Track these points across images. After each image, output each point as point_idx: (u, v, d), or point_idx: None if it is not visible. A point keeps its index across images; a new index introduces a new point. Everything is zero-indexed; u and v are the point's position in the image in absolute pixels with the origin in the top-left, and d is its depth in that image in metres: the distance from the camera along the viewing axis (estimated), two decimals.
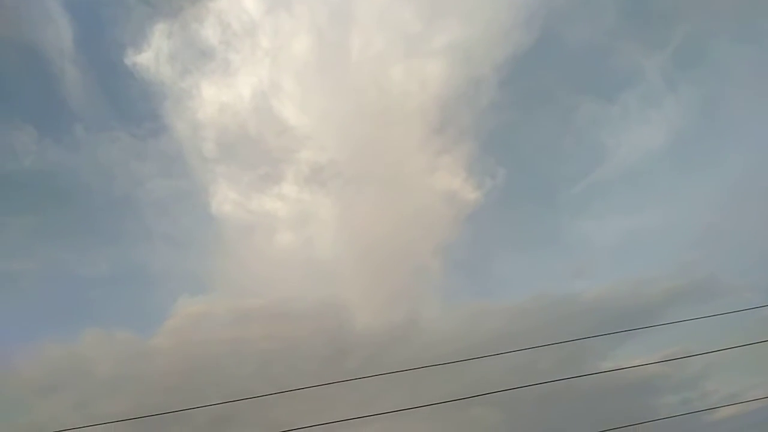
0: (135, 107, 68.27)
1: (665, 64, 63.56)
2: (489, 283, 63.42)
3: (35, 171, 58.92)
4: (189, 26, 65.05)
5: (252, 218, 63.31)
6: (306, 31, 64.82)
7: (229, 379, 41.35)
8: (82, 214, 64.04)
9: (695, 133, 62.81)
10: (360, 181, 64.71)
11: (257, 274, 58.29)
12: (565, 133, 69.40)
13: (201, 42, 66.02)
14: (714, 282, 48.48)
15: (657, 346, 33.98)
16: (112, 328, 53.55)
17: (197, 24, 64.59)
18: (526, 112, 69.49)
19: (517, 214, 68.50)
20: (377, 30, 63.98)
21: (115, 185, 62.58)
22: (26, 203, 63.01)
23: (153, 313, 64.13)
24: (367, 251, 59.57)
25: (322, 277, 59.37)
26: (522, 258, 64.29)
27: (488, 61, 62.18)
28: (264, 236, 64.19)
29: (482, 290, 65.01)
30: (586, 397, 34.55)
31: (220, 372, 43.29)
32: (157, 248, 63.38)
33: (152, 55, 60.51)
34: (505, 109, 66.75)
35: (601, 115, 69.16)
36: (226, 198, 61.66)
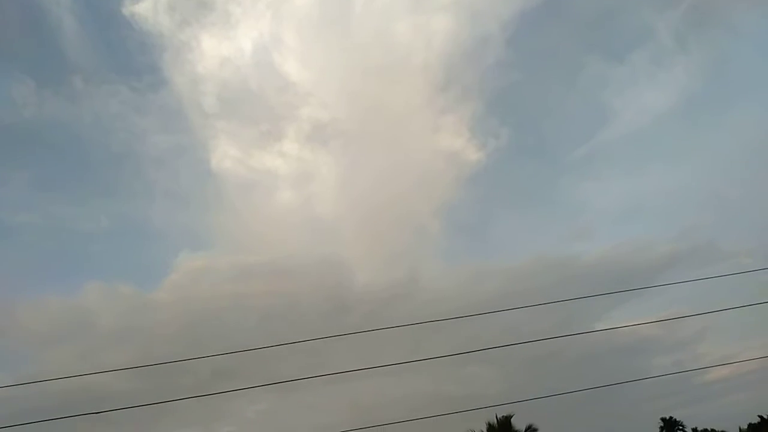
0: (134, 60, 67.00)
1: (677, 24, 62.02)
2: (489, 244, 63.66)
3: (35, 123, 58.37)
4: None
5: (252, 175, 63.18)
6: None
7: (230, 334, 42.07)
8: (82, 168, 63.89)
9: (705, 96, 61.86)
10: (362, 139, 64.19)
11: (258, 231, 58.60)
12: (571, 94, 68.33)
13: None
14: (713, 247, 48.64)
15: (653, 309, 34.38)
16: (114, 281, 54.18)
17: None
18: (532, 71, 68.28)
19: (519, 175, 68.18)
20: None
21: (115, 139, 62.14)
22: (26, 156, 62.67)
23: (154, 267, 64.82)
24: (368, 210, 59.57)
25: (323, 235, 59.65)
26: (523, 219, 64.45)
27: (495, 19, 60.70)
28: (264, 193, 64.19)
29: (482, 251, 65.29)
30: (581, 356, 35.21)
31: (221, 326, 44.06)
32: (157, 203, 63.53)
33: (150, 4, 59.06)
34: (510, 68, 65.62)
35: (608, 75, 67.81)
36: (227, 154, 61.35)
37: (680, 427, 40.12)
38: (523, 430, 24.80)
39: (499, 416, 24.99)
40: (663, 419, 39.82)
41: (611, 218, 61.34)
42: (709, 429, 40.08)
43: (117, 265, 60.16)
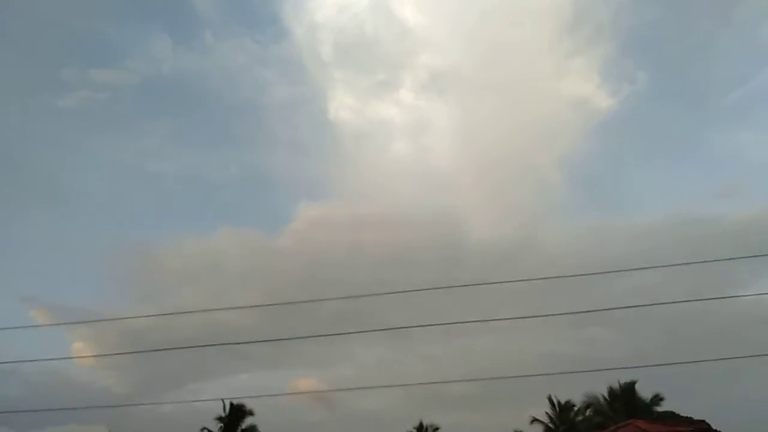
0: (257, 11, 69.44)
1: None
2: (617, 200, 59.05)
3: (171, 77, 63.05)
4: None
5: (368, 125, 63.64)
6: None
7: (346, 281, 43.55)
8: (213, 119, 68.29)
9: None
10: (481, 87, 61.65)
11: (373, 182, 59.37)
12: (723, 30, 59.63)
13: None
14: None
15: None
16: (243, 226, 58.20)
17: None
18: (676, 5, 60.61)
19: (657, 123, 61.68)
20: None
21: (241, 91, 65.47)
22: (163, 108, 68.18)
23: (278, 214, 68.59)
24: (486, 162, 57.74)
25: (438, 187, 59.04)
26: (658, 173, 58.77)
27: None
28: (380, 144, 64.54)
29: (609, 207, 60.82)
30: (720, 325, 31.96)
31: (338, 273, 45.74)
32: (279, 153, 66.50)
33: None
34: (650, 3, 58.88)
35: None
36: (343, 104, 62.16)
37: None
38: (649, 398, 23.18)
39: (621, 381, 23.64)
40: None
41: (766, 174, 53.86)
42: None
43: (244, 211, 64.42)
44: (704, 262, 14.41)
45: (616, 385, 23.58)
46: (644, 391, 23.61)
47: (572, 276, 11.94)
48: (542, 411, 26.17)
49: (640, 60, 60.95)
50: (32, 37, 57.79)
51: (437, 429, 28.30)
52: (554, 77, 58.76)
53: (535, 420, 26.15)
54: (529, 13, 56.86)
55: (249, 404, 25.84)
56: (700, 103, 60.32)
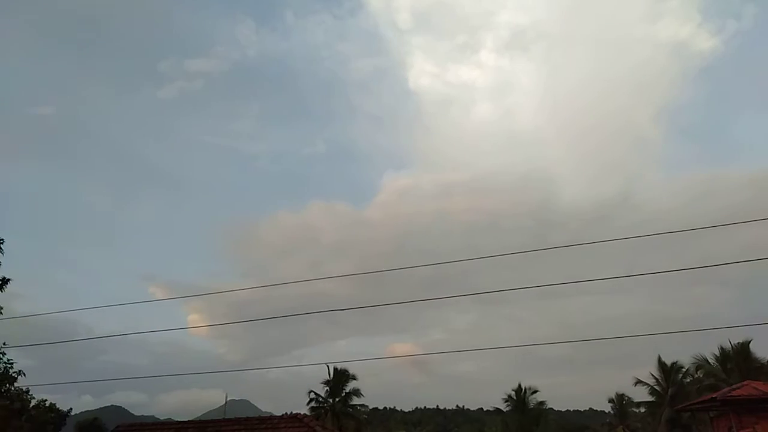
0: None
1: None
2: (725, 150, 54.56)
3: (256, 60, 65.86)
4: None
5: (450, 90, 62.86)
6: None
7: (435, 248, 43.89)
8: (298, 98, 70.79)
9: None
10: (567, 41, 58.59)
11: (457, 148, 58.88)
12: None
13: None
14: None
15: None
16: (332, 200, 60.17)
17: None
18: None
19: (767, 63, 55.70)
20: None
21: (323, 68, 66.81)
22: (252, 90, 71.71)
23: (365, 187, 70.37)
24: (576, 120, 55.33)
25: (525, 149, 57.53)
26: None
27: None
28: (463, 109, 63.68)
29: (716, 158, 56.40)
30: None
31: (427, 241, 46.23)
32: (362, 126, 67.75)
33: None
34: None
35: None
36: (423, 71, 61.64)
37: None
38: (766, 360, 21.69)
39: (734, 342, 22.24)
40: None
41: None
42: None
43: (334, 185, 66.51)
44: None
45: (728, 346, 22.27)
46: (761, 352, 22.13)
47: (673, 232, 11.32)
48: (647, 373, 25.36)
49: None
50: (129, 33, 62.18)
51: (536, 391, 28.27)
52: (647, 22, 54.87)
53: (639, 382, 25.38)
54: None
55: (350, 369, 27.16)
56: None
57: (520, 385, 28.48)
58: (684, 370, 24.50)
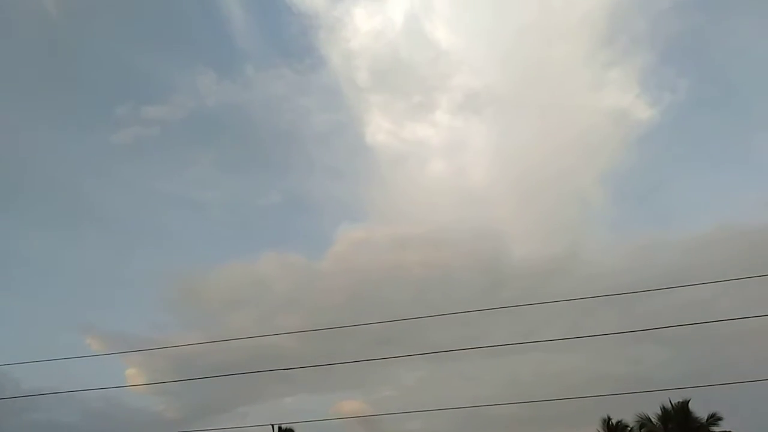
0: (295, 42, 71.51)
1: None
2: (664, 213, 57.30)
3: (216, 110, 65.57)
4: None
5: (405, 147, 64.15)
6: None
7: (389, 302, 43.70)
8: (255, 148, 70.30)
9: None
10: (517, 105, 61.45)
11: (412, 202, 59.66)
12: (766, 34, 57.94)
13: None
14: None
15: None
16: (286, 251, 59.36)
17: None
18: (718, 11, 58.99)
19: (700, 132, 59.80)
20: None
21: (282, 120, 67.35)
22: (210, 139, 70.79)
23: (320, 238, 69.61)
24: (525, 179, 57.29)
25: (477, 206, 58.80)
26: (705, 183, 56.84)
27: None
28: (417, 165, 64.91)
29: (656, 220, 59.12)
30: None
31: (381, 295, 45.97)
32: (320, 178, 67.76)
33: None
34: (690, 10, 57.49)
35: None
36: (380, 127, 62.94)
37: None
38: (705, 418, 22.31)
39: (674, 401, 22.86)
40: None
41: None
42: None
43: (287, 236, 65.71)
44: (751, 277, 14.09)
45: (669, 405, 22.83)
46: (700, 411, 22.76)
47: (617, 294, 11.82)
48: (594, 431, 25.52)
49: (680, 68, 59.66)
50: (89, 75, 61.46)
51: None
52: (591, 90, 58.09)
53: None
54: (563, 29, 56.63)
55: (296, 429, 26.17)
56: (745, 109, 58.39)
57: None
58: (629, 429, 24.81)
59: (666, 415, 22.81)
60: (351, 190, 64.52)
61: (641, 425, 23.78)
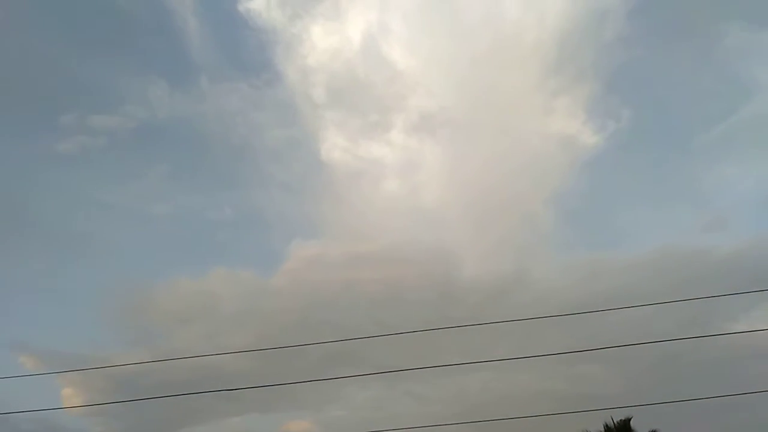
0: (252, 56, 70.99)
1: None
2: (607, 235, 59.61)
3: (167, 122, 64.02)
4: None
5: (360, 165, 64.40)
6: None
7: (341, 319, 43.40)
8: (208, 161, 68.94)
9: None
10: (470, 127, 62.90)
11: (365, 220, 59.75)
12: (705, 67, 61.22)
13: None
14: None
15: None
16: (236, 267, 58.10)
17: None
18: (659, 45, 62.35)
19: (642, 159, 62.85)
20: None
21: (236, 134, 66.36)
22: (161, 152, 68.89)
23: (271, 254, 68.52)
24: (476, 200, 58.47)
25: (430, 224, 59.49)
26: (646, 209, 59.55)
27: None
28: (372, 183, 65.23)
29: (599, 243, 61.40)
30: (713, 360, 32.06)
31: (333, 312, 45.58)
32: (273, 194, 66.96)
33: (264, 0, 62.09)
34: (633, 43, 60.53)
35: (750, 44, 60.08)
36: (336, 144, 63.01)
37: None
38: None
39: (616, 419, 23.52)
40: None
41: (751, 207, 54.62)
42: None
43: (239, 251, 64.40)
44: (693, 299, 14.76)
45: (611, 422, 23.46)
46: (641, 429, 23.49)
47: (562, 315, 12.21)
48: None
49: (624, 98, 62.63)
50: (34, 84, 58.95)
51: None
52: (541, 116, 60.18)
53: None
54: (515, 56, 58.57)
55: None
56: (683, 138, 61.75)
57: None
58: None
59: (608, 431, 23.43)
60: (305, 207, 64.10)
61: None
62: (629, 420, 23.63)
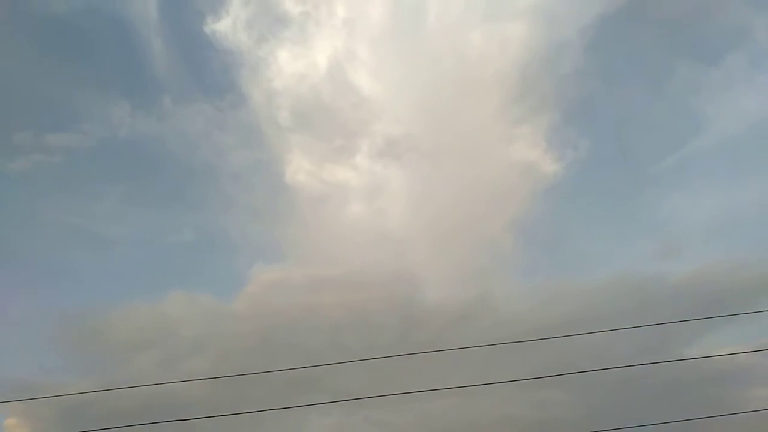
0: (216, 78, 70.59)
1: None
2: (566, 261, 61.02)
3: (128, 141, 62.70)
4: None
5: (325, 189, 64.35)
6: None
7: (303, 345, 42.73)
8: (169, 183, 67.69)
9: None
10: (434, 153, 63.83)
11: (329, 244, 59.44)
12: (658, 101, 64.31)
13: (277, 9, 66.90)
14: None
15: (750, 336, 31.47)
16: (196, 291, 56.74)
17: None
18: (614, 78, 65.14)
19: (599, 188, 65.10)
20: None
21: (198, 155, 65.54)
22: (120, 172, 67.37)
23: (232, 278, 67.25)
24: (440, 225, 59.05)
25: (393, 249, 59.62)
26: (603, 235, 61.31)
27: (573, 24, 58.59)
28: (336, 207, 65.16)
29: (558, 268, 62.74)
30: (668, 384, 32.85)
31: (295, 337, 44.83)
32: (235, 217, 66.11)
33: (230, 22, 62.09)
34: (590, 76, 63.03)
35: (700, 79, 63.39)
36: (300, 168, 62.87)
37: None
38: None
39: None
40: None
41: (703, 234, 56.91)
42: None
43: (199, 275, 62.97)
44: (649, 325, 15.16)
45: None
46: None
47: (523, 341, 12.37)
48: None
49: (581, 128, 64.85)
50: None
51: None
52: (503, 144, 61.64)
53: None
54: (478, 84, 60.04)
55: None
56: (637, 168, 64.15)
57: None
58: None
59: None
60: (268, 230, 63.37)
61: None
62: None
